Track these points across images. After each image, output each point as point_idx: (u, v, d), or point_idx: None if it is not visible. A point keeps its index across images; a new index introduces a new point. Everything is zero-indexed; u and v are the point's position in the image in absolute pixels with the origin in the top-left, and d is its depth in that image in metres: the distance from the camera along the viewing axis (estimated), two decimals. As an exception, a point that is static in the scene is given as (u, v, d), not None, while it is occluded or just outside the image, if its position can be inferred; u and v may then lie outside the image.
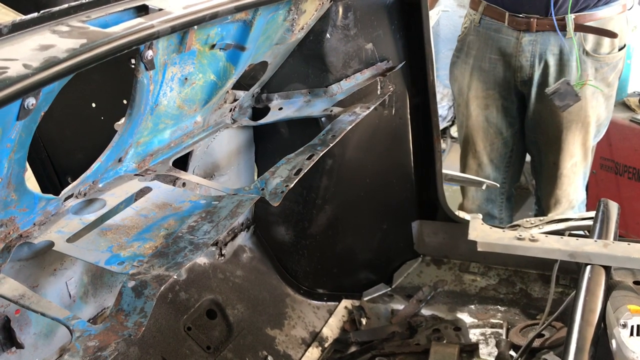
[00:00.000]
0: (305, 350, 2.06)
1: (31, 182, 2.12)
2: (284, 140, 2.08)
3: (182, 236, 1.31)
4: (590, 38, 2.68)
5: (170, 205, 1.43)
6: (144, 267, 1.20)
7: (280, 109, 1.99)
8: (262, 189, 1.53)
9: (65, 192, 1.37)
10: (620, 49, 2.76)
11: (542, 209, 3.10)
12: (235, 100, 1.90)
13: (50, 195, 1.33)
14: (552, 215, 3.00)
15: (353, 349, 2.08)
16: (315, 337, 2.12)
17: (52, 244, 1.30)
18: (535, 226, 2.12)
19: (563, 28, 2.63)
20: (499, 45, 2.78)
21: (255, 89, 1.97)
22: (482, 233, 1.83)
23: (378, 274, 2.33)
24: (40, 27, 1.02)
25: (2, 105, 0.84)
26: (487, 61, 2.84)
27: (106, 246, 1.28)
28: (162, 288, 1.15)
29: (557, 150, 2.87)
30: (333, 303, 2.24)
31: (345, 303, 2.24)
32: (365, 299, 2.27)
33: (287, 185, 1.53)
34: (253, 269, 2.17)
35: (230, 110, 1.91)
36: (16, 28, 0.99)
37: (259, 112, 2.01)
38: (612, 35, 2.65)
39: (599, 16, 2.65)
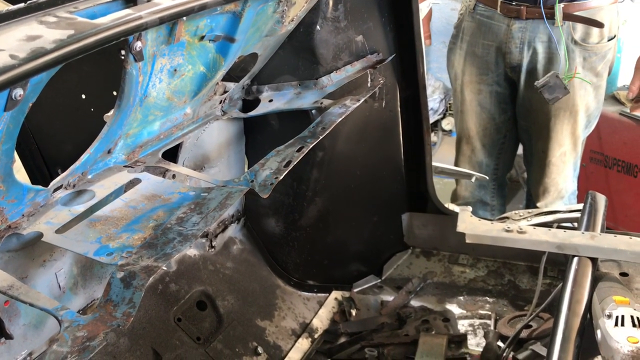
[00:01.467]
0: (295, 341, 2.07)
1: (21, 174, 2.12)
2: (274, 132, 2.08)
3: (171, 227, 1.31)
4: (579, 27, 2.70)
5: (159, 197, 1.43)
6: (132, 258, 1.21)
7: (271, 100, 1.99)
8: (252, 181, 1.53)
9: (54, 183, 1.37)
10: (609, 40, 2.78)
11: (533, 199, 3.13)
12: (225, 92, 1.90)
13: (39, 187, 1.32)
14: (541, 207, 3.03)
15: (343, 339, 2.09)
16: (305, 328, 2.13)
17: (41, 235, 1.30)
18: (524, 218, 2.14)
19: (552, 16, 2.65)
20: (491, 32, 2.82)
21: (245, 80, 1.97)
22: (471, 225, 1.84)
23: (368, 265, 2.34)
24: (27, 18, 1.02)
25: (-12, 95, 0.84)
26: (480, 47, 2.88)
27: (95, 237, 1.28)
28: (150, 279, 1.16)
29: (546, 139, 2.90)
30: (323, 294, 2.25)
31: (335, 294, 2.26)
32: (355, 290, 2.28)
33: (276, 177, 1.53)
34: (243, 260, 2.18)
35: (220, 102, 1.91)
36: (2, 19, 0.99)
37: (249, 104, 2.01)
38: (599, 25, 2.67)
39: (589, 6, 2.67)
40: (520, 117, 2.99)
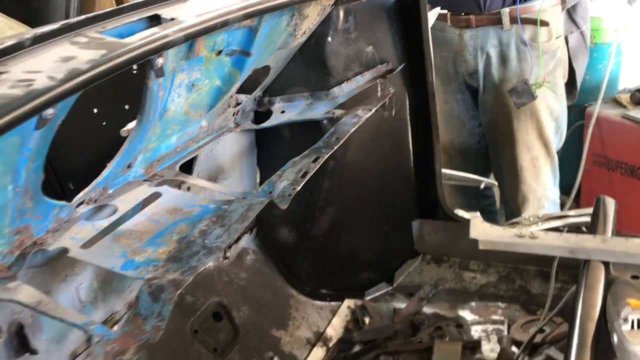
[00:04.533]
0: (310, 350, 2.08)
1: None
2: (286, 143, 2.10)
3: (194, 240, 1.33)
4: (528, 28, 2.82)
5: (180, 210, 1.45)
6: (159, 272, 1.22)
7: (283, 112, 2.01)
8: (270, 192, 1.55)
9: (78, 198, 1.39)
10: (557, 38, 2.90)
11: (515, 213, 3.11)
12: (238, 104, 1.92)
13: (64, 202, 1.34)
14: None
15: (357, 348, 2.10)
16: (320, 337, 2.14)
17: (66, 250, 1.32)
18: (534, 223, 2.16)
19: (500, 21, 2.80)
20: (445, 43, 2.95)
21: (258, 92, 1.99)
22: (483, 231, 1.86)
23: (380, 273, 2.35)
24: (59, 39, 1.04)
25: (30, 116, 0.86)
26: (439, 59, 2.98)
27: (120, 252, 1.30)
28: (178, 292, 1.17)
29: (513, 144, 2.97)
30: (336, 303, 2.26)
31: (348, 303, 2.27)
32: (368, 298, 2.29)
33: (294, 188, 1.56)
34: (257, 271, 2.19)
35: (234, 114, 1.93)
36: (37, 40, 1.01)
37: (261, 115, 2.03)
38: (543, 23, 2.79)
39: (534, 9, 2.79)
40: (486, 130, 3.08)
